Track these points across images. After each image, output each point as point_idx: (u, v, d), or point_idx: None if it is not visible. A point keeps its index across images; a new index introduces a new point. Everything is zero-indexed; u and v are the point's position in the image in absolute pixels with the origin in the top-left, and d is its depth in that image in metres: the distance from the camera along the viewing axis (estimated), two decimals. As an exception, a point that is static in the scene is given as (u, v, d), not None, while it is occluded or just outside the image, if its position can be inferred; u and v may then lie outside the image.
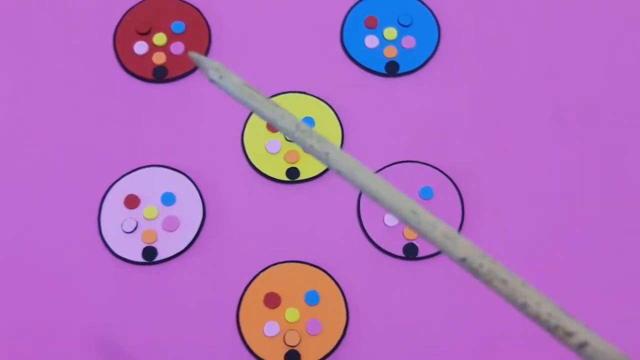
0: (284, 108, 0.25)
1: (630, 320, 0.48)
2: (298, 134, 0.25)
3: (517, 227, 0.51)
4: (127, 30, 0.56)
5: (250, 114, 0.53)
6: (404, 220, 0.24)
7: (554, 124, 0.53)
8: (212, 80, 0.26)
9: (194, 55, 0.27)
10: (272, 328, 0.48)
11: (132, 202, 0.51)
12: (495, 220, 0.50)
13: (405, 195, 0.24)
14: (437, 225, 0.23)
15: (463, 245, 0.23)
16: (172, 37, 0.56)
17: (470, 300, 0.48)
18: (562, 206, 0.51)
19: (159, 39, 0.55)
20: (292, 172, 0.51)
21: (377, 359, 0.47)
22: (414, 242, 0.49)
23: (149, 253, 0.50)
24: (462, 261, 0.23)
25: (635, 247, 0.50)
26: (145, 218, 0.50)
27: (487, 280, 0.23)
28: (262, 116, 0.25)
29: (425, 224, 0.23)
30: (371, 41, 0.55)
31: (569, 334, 0.22)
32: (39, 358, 0.48)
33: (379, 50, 0.55)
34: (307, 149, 0.25)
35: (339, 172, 0.25)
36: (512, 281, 0.23)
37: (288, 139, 0.25)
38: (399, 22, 0.55)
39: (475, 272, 0.23)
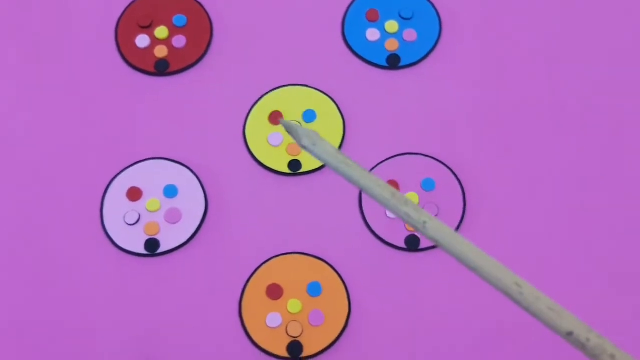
0: (377, 176, 0.25)
1: (629, 311, 0.49)
2: (393, 202, 0.25)
3: (518, 219, 0.51)
4: (129, 24, 0.56)
5: (252, 106, 0.53)
6: (506, 293, 0.24)
7: (556, 117, 0.53)
8: (304, 147, 0.26)
9: (286, 122, 0.27)
10: (274, 319, 0.48)
11: (134, 194, 0.51)
12: (496, 212, 0.51)
13: (506, 267, 0.24)
14: (540, 298, 0.23)
15: (568, 319, 0.23)
16: (173, 30, 0.56)
17: (471, 292, 0.49)
18: (562, 198, 0.51)
19: (161, 32, 0.56)
20: (294, 165, 0.52)
21: (379, 350, 0.48)
22: (416, 234, 0.50)
23: (152, 245, 0.50)
24: (569, 335, 0.23)
25: (635, 240, 0.50)
26: (148, 210, 0.51)
27: (594, 355, 0.23)
28: (356, 183, 0.25)
29: (529, 296, 0.23)
30: (372, 34, 0.55)
31: None
32: (42, 349, 0.48)
33: (380, 43, 0.55)
34: (403, 217, 0.25)
35: (436, 241, 0.24)
36: (620, 357, 0.23)
37: (384, 203, 0.25)
38: (400, 15, 0.55)
39: (582, 347, 0.23)
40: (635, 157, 0.52)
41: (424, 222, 0.24)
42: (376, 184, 0.25)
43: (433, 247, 0.49)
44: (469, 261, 0.24)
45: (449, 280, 0.49)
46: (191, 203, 0.51)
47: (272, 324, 0.48)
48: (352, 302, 0.48)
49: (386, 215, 0.50)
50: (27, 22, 0.57)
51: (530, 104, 0.53)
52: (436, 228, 0.24)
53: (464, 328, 0.48)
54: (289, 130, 0.27)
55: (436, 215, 0.50)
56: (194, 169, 0.52)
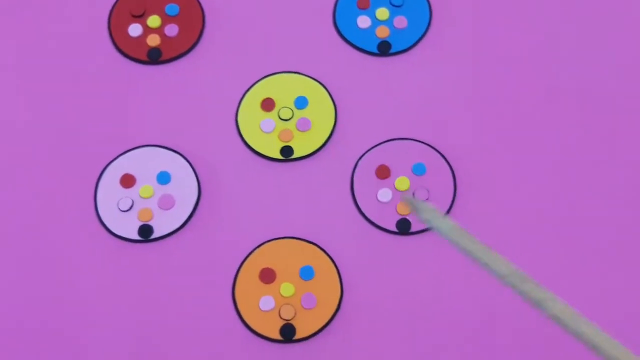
0: (495, 251, 0.25)
1: (621, 294, 0.49)
2: (513, 278, 0.25)
3: (509, 204, 0.51)
4: (121, 13, 0.56)
5: (245, 94, 0.54)
6: None
7: (548, 102, 0.54)
8: (426, 222, 0.27)
9: (409, 198, 0.28)
10: (267, 302, 0.48)
11: (127, 181, 0.51)
12: (486, 196, 0.51)
13: (627, 350, 0.24)
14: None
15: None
16: (166, 19, 0.56)
17: (462, 274, 0.49)
18: (553, 183, 0.52)
19: (153, 21, 0.56)
20: (286, 151, 0.52)
21: (371, 332, 0.48)
22: (407, 218, 0.50)
23: (145, 231, 0.50)
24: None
25: (627, 220, 0.51)
26: (141, 197, 0.51)
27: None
28: (476, 259, 0.26)
29: None
30: (363, 21, 0.55)
31: None
32: (36, 336, 0.48)
33: (371, 30, 0.55)
34: (523, 294, 0.25)
35: (559, 321, 0.25)
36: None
37: (507, 283, 0.26)
38: (390, 3, 0.56)
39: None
40: (631, 144, 0.53)
41: (545, 300, 0.25)
42: (495, 260, 0.25)
43: (424, 231, 0.50)
44: (595, 342, 0.24)
45: (440, 263, 0.49)
46: (184, 189, 0.51)
47: (265, 307, 0.48)
48: (344, 285, 0.49)
49: (377, 199, 0.51)
50: (19, 10, 0.57)
51: (522, 91, 0.54)
52: (559, 307, 0.25)
53: (454, 310, 0.48)
54: (413, 206, 0.27)
55: (427, 199, 0.50)
56: (186, 156, 0.52)
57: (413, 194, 0.50)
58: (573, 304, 0.49)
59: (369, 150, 0.52)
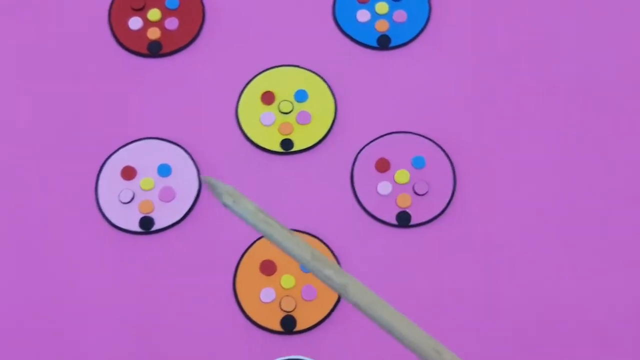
0: (297, 236, 0.25)
1: (619, 285, 0.50)
2: (313, 263, 0.24)
3: (508, 197, 0.52)
4: (121, 6, 0.57)
5: (245, 87, 0.54)
6: (425, 358, 0.23)
7: (546, 95, 0.54)
8: (225, 205, 0.25)
9: (207, 178, 0.26)
10: (268, 294, 0.48)
11: (128, 173, 0.52)
12: (486, 189, 0.51)
13: (426, 333, 0.24)
14: None
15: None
16: (166, 12, 0.56)
17: (461, 267, 0.49)
18: (553, 177, 0.52)
19: (153, 14, 0.56)
20: (286, 144, 0.52)
21: (371, 323, 0.48)
22: (407, 210, 0.50)
23: (146, 223, 0.50)
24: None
25: (625, 218, 0.51)
26: (142, 189, 0.51)
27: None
28: (275, 242, 0.25)
29: None
30: (363, 15, 0.56)
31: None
32: (37, 326, 0.48)
33: (370, 24, 0.56)
34: (323, 280, 0.24)
35: (357, 306, 0.24)
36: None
37: (304, 264, 0.25)
38: (390, -3, 0.56)
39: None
40: (624, 129, 0.53)
41: (345, 285, 0.24)
42: (296, 245, 0.24)
43: (424, 223, 0.50)
44: (391, 327, 0.24)
45: (440, 255, 0.50)
46: (185, 182, 0.51)
47: (265, 299, 0.48)
48: (344, 277, 0.49)
49: (377, 192, 0.51)
50: (21, 5, 0.57)
51: (520, 82, 0.54)
52: (358, 292, 0.24)
53: (452, 302, 0.49)
54: (211, 187, 0.26)
55: (426, 193, 0.51)
56: (187, 149, 0.52)
57: (414, 186, 0.50)
58: (572, 294, 0.49)
59: (368, 143, 0.52)
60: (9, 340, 0.48)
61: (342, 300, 0.49)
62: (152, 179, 0.51)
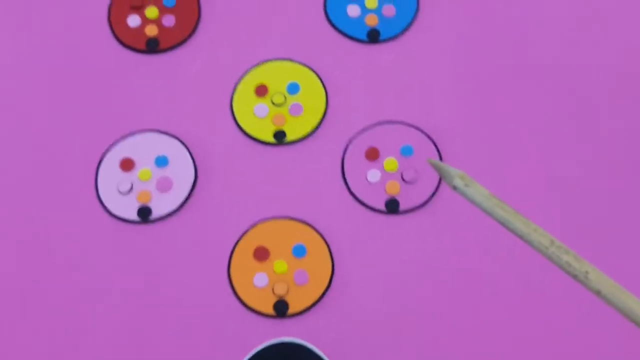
0: (534, 223, 0.24)
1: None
2: (553, 249, 0.24)
3: (493, 184, 0.53)
4: (120, 4, 0.59)
5: (239, 80, 0.56)
6: None
7: (533, 86, 0.55)
8: (456, 188, 0.25)
9: (435, 162, 0.26)
10: (261, 279, 0.50)
11: (127, 165, 0.54)
12: (471, 176, 0.53)
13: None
14: None
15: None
16: (163, 10, 0.58)
17: (448, 251, 0.51)
18: (538, 165, 0.53)
19: (151, 12, 0.58)
20: (279, 135, 0.54)
21: (361, 307, 0.50)
22: (396, 197, 0.52)
23: (144, 212, 0.52)
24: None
25: (610, 202, 0.52)
26: (140, 179, 0.53)
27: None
28: (512, 228, 0.24)
29: None
30: (353, 10, 0.57)
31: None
32: (38, 313, 0.50)
33: (360, 18, 0.57)
34: (562, 266, 0.24)
35: (598, 293, 0.24)
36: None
37: (542, 251, 0.24)
38: (379, -8, 0.58)
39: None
40: (620, 130, 0.54)
41: (586, 272, 0.24)
42: (534, 230, 0.24)
43: (412, 210, 0.52)
44: (633, 314, 0.23)
45: (427, 240, 0.51)
46: (181, 172, 0.53)
47: (259, 283, 0.50)
48: (335, 262, 0.51)
49: (367, 179, 0.53)
50: (22, 3, 0.59)
51: (507, 74, 0.56)
52: (599, 279, 0.23)
53: (441, 285, 0.50)
54: (440, 170, 0.25)
55: (414, 180, 0.52)
56: (184, 141, 0.54)
57: (400, 175, 0.52)
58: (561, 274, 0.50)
59: (358, 133, 0.54)
60: (11, 324, 0.50)
61: (332, 285, 0.50)
62: (149, 170, 0.53)
